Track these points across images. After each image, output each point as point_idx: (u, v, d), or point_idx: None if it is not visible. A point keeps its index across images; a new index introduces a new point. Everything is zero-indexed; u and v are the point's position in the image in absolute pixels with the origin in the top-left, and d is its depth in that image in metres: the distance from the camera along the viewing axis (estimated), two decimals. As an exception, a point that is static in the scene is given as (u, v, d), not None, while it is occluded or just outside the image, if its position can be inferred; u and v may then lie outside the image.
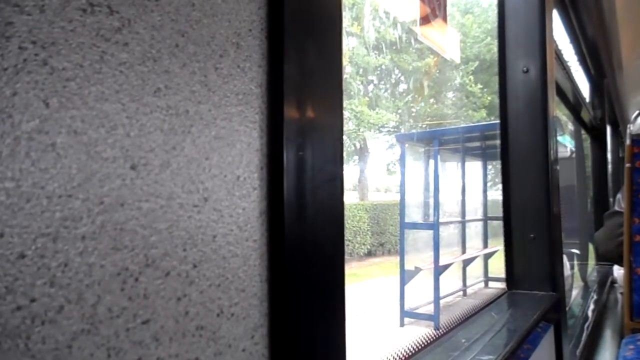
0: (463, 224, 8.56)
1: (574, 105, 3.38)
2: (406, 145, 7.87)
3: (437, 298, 6.62)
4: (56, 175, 0.30)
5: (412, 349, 1.05)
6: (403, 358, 1.02)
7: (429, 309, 6.74)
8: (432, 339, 1.12)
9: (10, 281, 0.27)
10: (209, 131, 0.40)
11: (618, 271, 3.32)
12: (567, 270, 2.64)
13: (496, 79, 1.74)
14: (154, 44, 0.36)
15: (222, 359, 0.40)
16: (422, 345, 1.08)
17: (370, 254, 12.53)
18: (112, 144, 0.33)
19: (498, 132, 1.72)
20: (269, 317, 0.45)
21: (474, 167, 9.10)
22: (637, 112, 3.00)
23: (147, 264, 0.35)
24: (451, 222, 8.63)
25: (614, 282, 3.54)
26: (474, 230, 9.20)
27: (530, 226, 1.61)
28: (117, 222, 0.33)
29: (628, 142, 2.35)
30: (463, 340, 1.13)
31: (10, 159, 0.28)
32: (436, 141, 7.39)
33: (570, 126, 4.32)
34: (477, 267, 8.57)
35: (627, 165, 2.31)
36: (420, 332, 1.13)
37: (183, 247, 0.38)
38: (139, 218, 0.35)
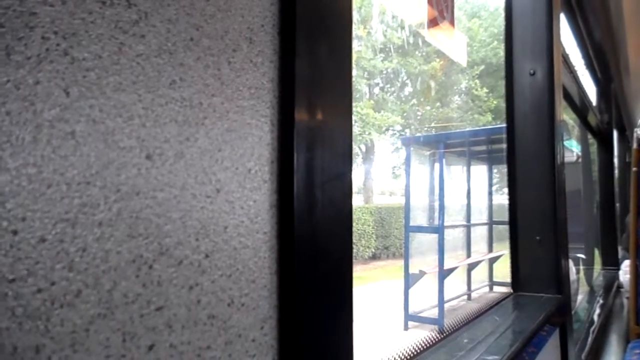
0: (468, 227, 8.53)
1: (580, 109, 3.38)
2: (412, 148, 7.86)
3: (441, 302, 6.60)
4: (75, 162, 0.31)
5: (416, 349, 1.05)
6: (407, 358, 1.02)
7: (434, 313, 6.72)
8: (436, 340, 1.12)
9: (31, 264, 0.28)
10: (221, 124, 0.41)
11: (624, 276, 3.30)
12: (572, 275, 2.63)
13: (502, 82, 1.74)
14: (169, 37, 0.37)
15: (232, 348, 0.41)
16: (427, 345, 1.08)
17: (374, 257, 12.50)
18: (128, 134, 0.34)
19: (504, 136, 1.72)
20: (278, 309, 0.46)
21: (480, 170, 9.08)
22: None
23: (161, 252, 0.36)
24: (456, 226, 8.60)
25: (619, 286, 3.53)
26: (479, 234, 9.16)
27: (536, 229, 1.61)
28: (132, 210, 0.34)
29: (635, 146, 2.34)
30: (466, 341, 1.13)
31: (32, 146, 0.28)
32: (442, 144, 7.37)
33: (577, 130, 4.31)
34: (482, 271, 8.54)
35: (634, 169, 2.31)
36: (425, 335, 1.13)
37: (196, 237, 0.38)
38: (153, 207, 0.35)
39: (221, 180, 0.41)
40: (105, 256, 0.32)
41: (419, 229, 8.01)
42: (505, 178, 1.71)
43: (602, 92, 3.92)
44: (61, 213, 0.30)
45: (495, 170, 9.23)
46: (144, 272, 0.34)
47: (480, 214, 9.18)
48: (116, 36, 0.33)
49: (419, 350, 1.05)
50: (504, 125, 1.71)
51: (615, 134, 4.37)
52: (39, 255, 0.28)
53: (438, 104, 17.20)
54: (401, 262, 7.78)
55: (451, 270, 7.05)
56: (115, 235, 0.33)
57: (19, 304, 0.27)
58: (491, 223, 9.00)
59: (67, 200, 0.30)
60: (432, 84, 16.29)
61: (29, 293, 0.28)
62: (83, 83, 0.31)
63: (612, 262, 3.98)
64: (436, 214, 7.63)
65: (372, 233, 12.39)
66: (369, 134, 14.89)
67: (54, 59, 0.30)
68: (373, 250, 12.44)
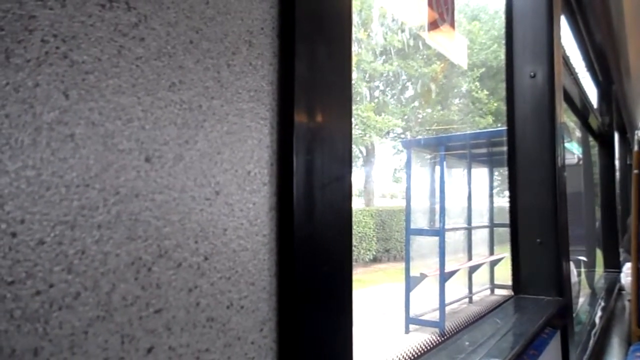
0: (469, 230, 8.51)
1: (581, 111, 3.37)
2: (412, 151, 7.86)
3: (442, 305, 6.59)
4: (74, 165, 0.31)
5: (417, 352, 1.05)
6: (408, 360, 1.02)
7: (435, 316, 6.71)
8: (437, 343, 1.12)
9: (30, 266, 0.28)
10: (221, 126, 0.41)
11: (625, 278, 3.30)
12: (574, 277, 2.63)
13: (502, 85, 1.74)
14: (169, 39, 0.37)
15: (231, 350, 0.41)
16: (427, 348, 1.08)
17: (375, 260, 12.50)
18: (127, 136, 0.34)
19: (504, 138, 1.72)
20: (278, 311, 0.46)
21: (481, 173, 9.07)
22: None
23: (160, 254, 0.36)
24: (457, 229, 8.59)
25: (621, 289, 3.52)
26: (480, 236, 9.15)
27: (537, 231, 1.61)
28: (131, 213, 0.34)
29: (636, 148, 2.34)
30: (467, 344, 1.13)
31: (31, 148, 0.29)
32: (442, 147, 7.37)
33: (578, 132, 4.31)
34: (483, 274, 8.52)
35: (635, 171, 2.31)
36: (426, 338, 1.13)
37: (195, 239, 0.38)
38: (152, 209, 0.35)
39: (220, 183, 0.41)
40: (104, 258, 0.32)
41: (420, 232, 8.00)
42: (506, 180, 1.71)
43: (603, 94, 3.92)
44: (60, 215, 0.30)
45: (496, 173, 9.22)
46: (143, 275, 0.34)
47: (481, 217, 9.17)
48: (115, 39, 0.33)
49: (419, 353, 1.05)
50: (505, 127, 1.71)
51: (616, 136, 4.37)
52: (38, 258, 0.28)
53: (439, 106, 17.21)
54: (402, 265, 7.77)
55: (452, 273, 7.03)
56: (114, 237, 0.33)
57: (17, 306, 0.27)
58: (492, 226, 8.99)
59: (66, 203, 0.30)
60: (433, 86, 16.31)
61: (27, 295, 0.28)
62: (82, 86, 0.31)
63: (613, 265, 3.97)
64: (437, 217, 7.62)
65: (373, 236, 12.39)
66: (370, 137, 14.90)
67: (54, 62, 0.30)
68: (374, 253, 12.44)
